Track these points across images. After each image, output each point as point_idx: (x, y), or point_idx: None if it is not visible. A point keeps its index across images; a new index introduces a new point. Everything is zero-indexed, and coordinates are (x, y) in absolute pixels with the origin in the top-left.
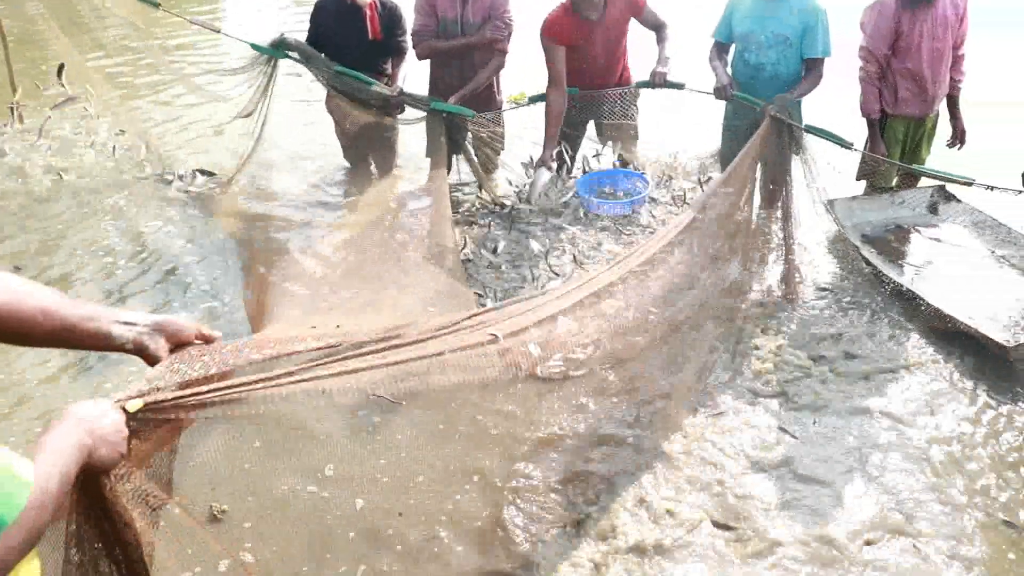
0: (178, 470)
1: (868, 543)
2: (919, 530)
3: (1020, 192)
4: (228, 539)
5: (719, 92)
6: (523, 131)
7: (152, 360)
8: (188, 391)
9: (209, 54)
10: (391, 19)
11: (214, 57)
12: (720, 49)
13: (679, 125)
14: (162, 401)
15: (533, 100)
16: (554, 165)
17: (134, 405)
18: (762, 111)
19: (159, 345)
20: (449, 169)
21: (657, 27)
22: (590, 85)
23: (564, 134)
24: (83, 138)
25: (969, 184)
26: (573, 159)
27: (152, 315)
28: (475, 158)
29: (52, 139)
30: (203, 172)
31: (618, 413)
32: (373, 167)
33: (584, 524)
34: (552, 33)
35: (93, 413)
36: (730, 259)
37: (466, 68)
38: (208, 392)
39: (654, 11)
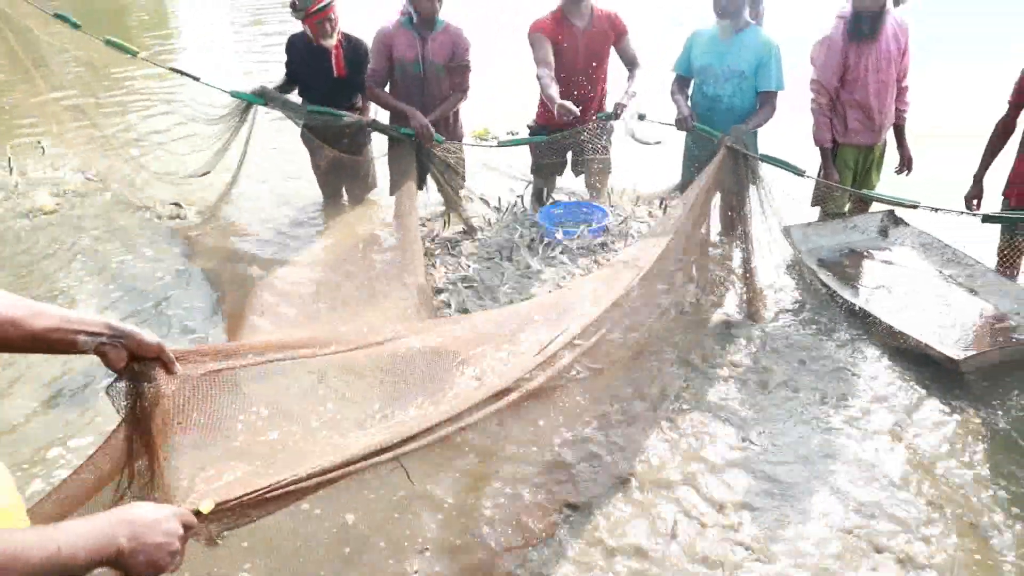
0: None
1: (833, 554)
2: (880, 539)
3: (962, 213)
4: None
5: (680, 123)
6: (482, 167)
7: (110, 366)
8: (258, 488)
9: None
10: (355, 56)
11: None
12: (681, 83)
13: (646, 157)
14: (234, 499)
15: (503, 144)
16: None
17: (207, 506)
18: (719, 143)
19: (120, 356)
20: (421, 188)
21: (631, 63)
22: (571, 97)
23: (540, 167)
24: (50, 174)
25: (915, 207)
26: (550, 193)
27: (118, 323)
28: (446, 184)
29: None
30: (177, 205)
31: (580, 435)
32: (346, 199)
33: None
34: (538, 27)
35: (146, 518)
36: (690, 282)
37: (427, 102)
38: (271, 487)
39: (633, 47)
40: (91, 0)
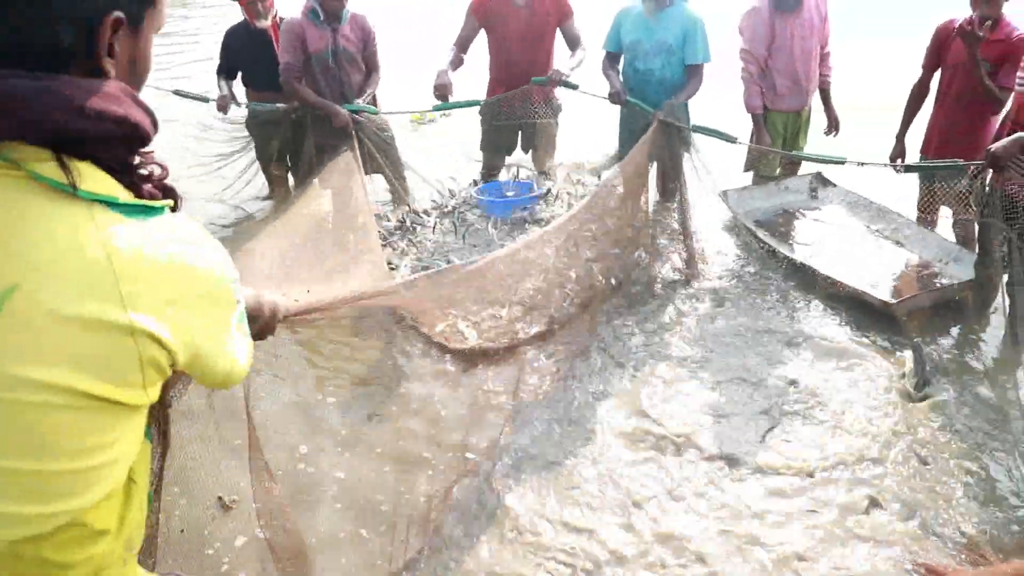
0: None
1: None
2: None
3: (884, 165)
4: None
5: (613, 97)
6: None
7: None
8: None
9: None
10: None
11: None
12: (612, 59)
13: (585, 131)
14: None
15: (437, 108)
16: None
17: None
18: (653, 117)
19: None
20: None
21: (573, 43)
22: (513, 83)
23: (490, 143)
24: None
25: (842, 163)
26: (498, 170)
27: None
28: (389, 166)
29: None
30: None
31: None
32: (291, 184)
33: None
34: (472, 5)
35: (279, 301)
36: (628, 245)
37: (346, 90)
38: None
39: (578, 30)
40: None
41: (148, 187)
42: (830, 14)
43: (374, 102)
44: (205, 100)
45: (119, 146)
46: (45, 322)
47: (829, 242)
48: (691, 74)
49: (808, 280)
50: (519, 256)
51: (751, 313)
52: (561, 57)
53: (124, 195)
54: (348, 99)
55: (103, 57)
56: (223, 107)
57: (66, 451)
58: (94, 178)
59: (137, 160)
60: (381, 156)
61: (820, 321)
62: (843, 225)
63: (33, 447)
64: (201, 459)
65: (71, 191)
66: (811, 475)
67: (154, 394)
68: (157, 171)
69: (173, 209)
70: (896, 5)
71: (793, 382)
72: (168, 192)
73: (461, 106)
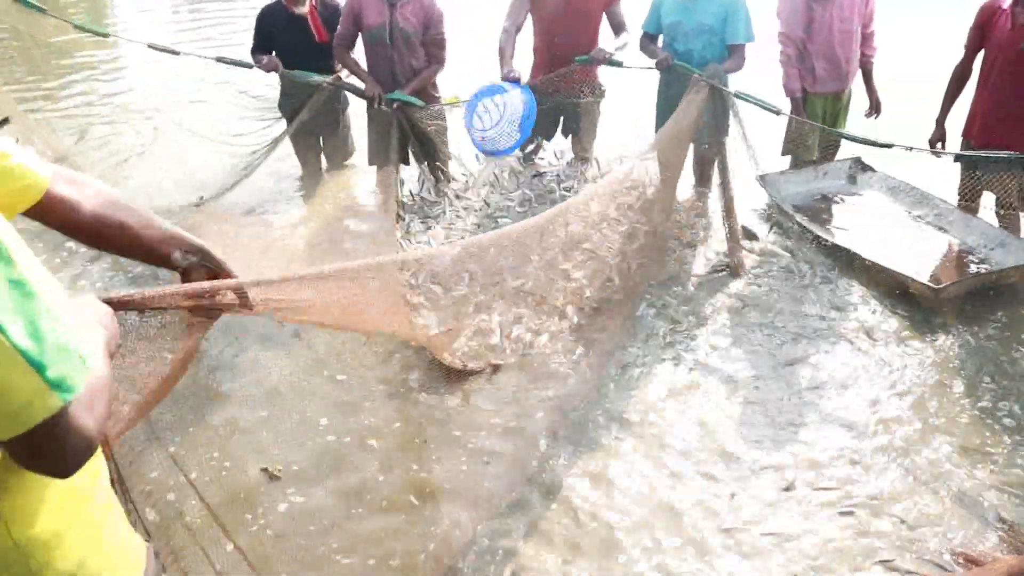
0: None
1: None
2: (893, 446)
3: (934, 153)
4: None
5: (660, 63)
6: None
7: (187, 281)
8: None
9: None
10: (334, 19)
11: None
12: (650, 39)
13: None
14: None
15: (478, 95)
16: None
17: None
18: (693, 81)
19: (200, 276)
20: (406, 162)
21: (618, 28)
22: (556, 66)
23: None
24: None
25: (889, 147)
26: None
27: (210, 249)
28: (434, 148)
29: None
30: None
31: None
32: (325, 167)
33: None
34: None
35: (99, 309)
36: (660, 227)
37: (398, 71)
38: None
39: (624, 15)
40: None
41: None
42: None
43: (434, 89)
44: (249, 66)
45: None
46: None
47: (870, 227)
48: (732, 53)
49: (849, 265)
50: (535, 236)
51: (789, 300)
52: (606, 41)
53: None
54: (399, 82)
55: None
56: (273, 67)
57: None
58: None
59: None
60: (426, 145)
61: (861, 307)
62: (884, 210)
63: None
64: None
65: None
66: (855, 463)
67: None
68: None
69: None
70: None
71: (829, 368)
72: None
73: (498, 91)
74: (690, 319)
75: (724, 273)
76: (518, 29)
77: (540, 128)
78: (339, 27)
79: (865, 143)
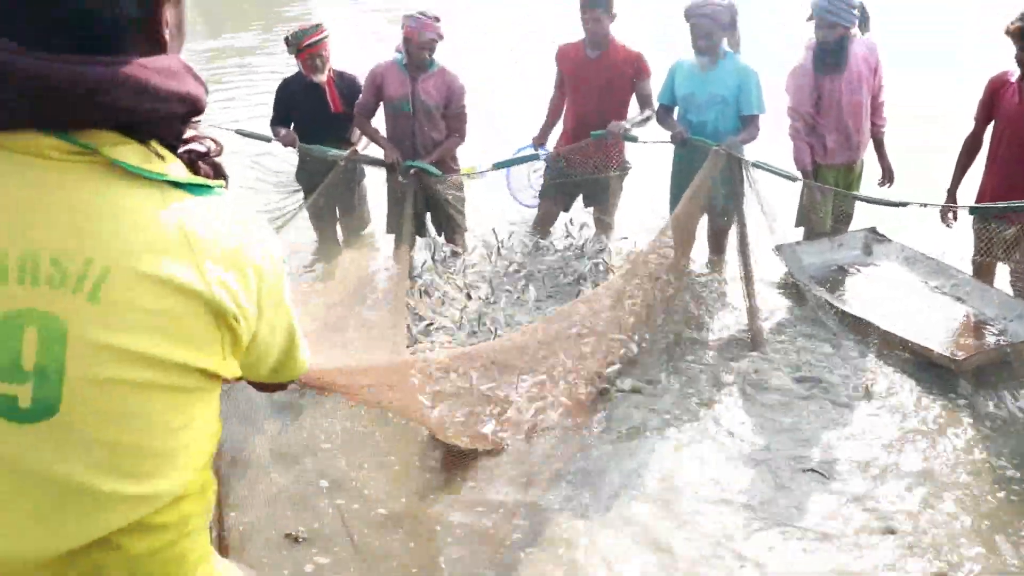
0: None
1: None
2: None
3: (948, 207)
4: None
5: (675, 136)
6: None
7: None
8: None
9: None
10: (351, 91)
11: None
12: (666, 111)
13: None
14: None
15: (498, 166)
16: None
17: None
18: (711, 153)
19: None
20: (422, 233)
21: (643, 102)
22: (582, 136)
23: (549, 189)
24: None
25: (904, 205)
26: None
27: None
28: (450, 218)
29: None
30: None
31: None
32: (340, 238)
33: None
34: (557, 54)
35: None
36: (678, 303)
37: (418, 143)
38: None
39: (650, 90)
40: None
41: (203, 164)
42: (882, 60)
43: (454, 161)
44: (268, 139)
45: (181, 122)
46: (135, 295)
47: (886, 298)
48: (746, 124)
49: (867, 336)
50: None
51: (807, 370)
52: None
53: (185, 173)
54: (419, 154)
55: (164, 28)
56: (290, 142)
57: (162, 426)
58: (161, 157)
59: (191, 133)
60: (442, 215)
61: (881, 379)
62: (900, 280)
63: (133, 423)
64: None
65: (148, 175)
66: (892, 532)
67: (234, 367)
68: (212, 147)
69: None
70: (938, 45)
71: (848, 440)
72: (218, 170)
73: (520, 162)
74: (706, 387)
75: (742, 342)
76: (561, 95)
77: (558, 199)
78: (361, 96)
79: (879, 203)
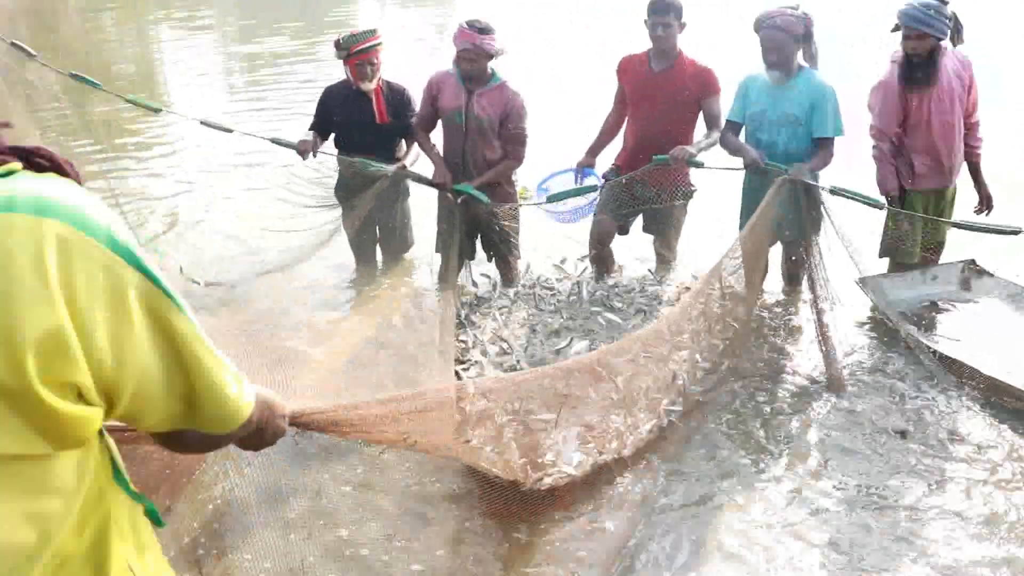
0: None
1: None
2: None
3: None
4: None
5: (752, 163)
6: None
7: None
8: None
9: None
10: (399, 103)
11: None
12: (733, 128)
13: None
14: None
15: (551, 199)
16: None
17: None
18: (780, 180)
19: None
20: (472, 257)
21: (711, 121)
22: (643, 156)
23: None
24: None
25: (1017, 233)
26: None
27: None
28: (502, 243)
29: None
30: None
31: None
32: (380, 260)
33: None
34: (619, 67)
35: (277, 404)
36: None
37: (469, 159)
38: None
39: (719, 110)
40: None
41: None
42: (977, 78)
43: (509, 184)
44: (229, 131)
45: None
46: None
47: (988, 338)
48: (819, 147)
49: (965, 382)
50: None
51: (895, 418)
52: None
53: None
54: (469, 172)
55: None
56: (304, 151)
57: None
58: None
59: None
60: (492, 237)
61: (981, 429)
62: (1003, 319)
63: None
64: None
65: None
66: None
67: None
68: None
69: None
70: None
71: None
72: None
73: (575, 194)
74: (780, 437)
75: (821, 385)
76: (619, 108)
77: (616, 217)
78: (419, 107)
79: (986, 230)
